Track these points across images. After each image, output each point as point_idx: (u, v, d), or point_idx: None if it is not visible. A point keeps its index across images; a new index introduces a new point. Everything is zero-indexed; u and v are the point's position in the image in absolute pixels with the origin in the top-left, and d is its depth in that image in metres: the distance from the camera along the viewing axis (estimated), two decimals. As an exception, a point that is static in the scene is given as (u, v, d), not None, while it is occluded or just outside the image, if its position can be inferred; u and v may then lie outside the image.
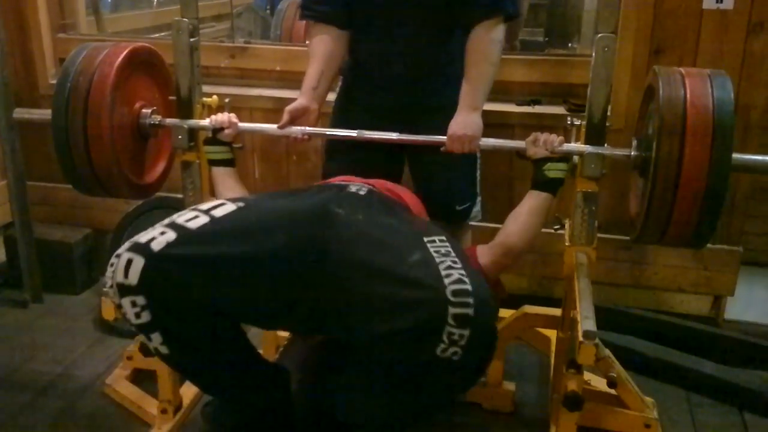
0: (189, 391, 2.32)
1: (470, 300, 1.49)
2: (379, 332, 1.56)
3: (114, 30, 3.80)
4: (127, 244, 1.63)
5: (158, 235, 1.61)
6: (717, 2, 2.48)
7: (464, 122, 2.09)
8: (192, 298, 1.63)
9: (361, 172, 2.11)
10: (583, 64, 2.56)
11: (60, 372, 2.56)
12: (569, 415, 1.89)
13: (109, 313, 1.98)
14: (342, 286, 1.64)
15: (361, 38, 2.25)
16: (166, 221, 1.67)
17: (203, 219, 1.67)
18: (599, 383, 2.30)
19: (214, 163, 2.20)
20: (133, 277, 1.58)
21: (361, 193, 1.91)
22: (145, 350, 2.10)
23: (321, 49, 2.22)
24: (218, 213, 1.69)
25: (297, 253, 1.67)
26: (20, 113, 2.38)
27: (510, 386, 2.38)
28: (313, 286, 1.66)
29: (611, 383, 2.02)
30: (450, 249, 1.66)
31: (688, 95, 1.79)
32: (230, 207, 1.73)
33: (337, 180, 2.07)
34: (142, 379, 2.42)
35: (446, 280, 1.52)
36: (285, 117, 2.16)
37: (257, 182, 3.05)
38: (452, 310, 1.48)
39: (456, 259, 1.61)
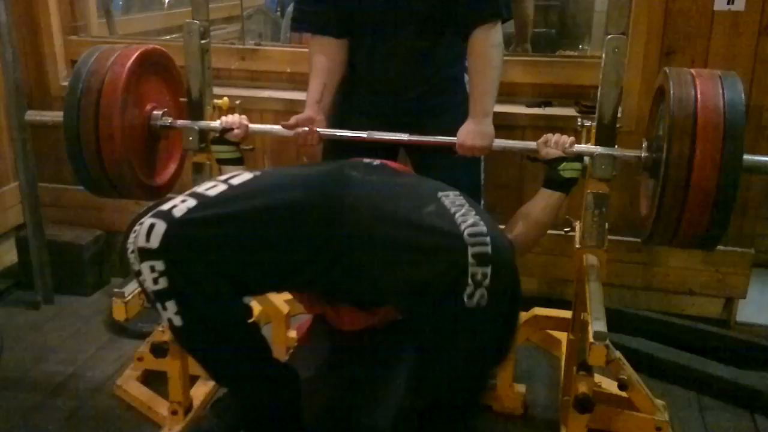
0: (199, 392, 2.33)
1: (486, 239, 1.59)
2: (404, 283, 1.63)
3: (125, 32, 3.82)
4: (150, 213, 1.68)
5: (179, 203, 1.67)
6: (728, 3, 2.47)
7: (476, 131, 2.08)
8: (210, 263, 1.66)
9: None
10: (593, 65, 2.55)
11: (71, 373, 2.57)
12: (580, 417, 1.89)
13: (119, 314, 2.00)
14: (360, 235, 1.70)
15: (358, 44, 2.23)
16: (187, 192, 1.73)
17: (222, 186, 1.73)
18: (610, 385, 2.28)
19: (222, 162, 2.22)
20: (155, 241, 1.62)
21: (374, 164, 1.97)
22: (155, 351, 2.12)
23: (321, 62, 2.21)
24: (235, 181, 1.76)
25: (314, 207, 1.73)
26: (32, 115, 2.38)
27: (520, 388, 2.38)
28: (332, 237, 1.71)
29: (622, 385, 2.02)
30: (464, 201, 1.74)
31: (698, 96, 1.78)
32: (247, 175, 1.80)
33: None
34: (153, 380, 2.42)
35: (462, 225, 1.62)
36: (291, 121, 2.17)
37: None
38: (471, 250, 1.57)
39: (470, 209, 1.70)
